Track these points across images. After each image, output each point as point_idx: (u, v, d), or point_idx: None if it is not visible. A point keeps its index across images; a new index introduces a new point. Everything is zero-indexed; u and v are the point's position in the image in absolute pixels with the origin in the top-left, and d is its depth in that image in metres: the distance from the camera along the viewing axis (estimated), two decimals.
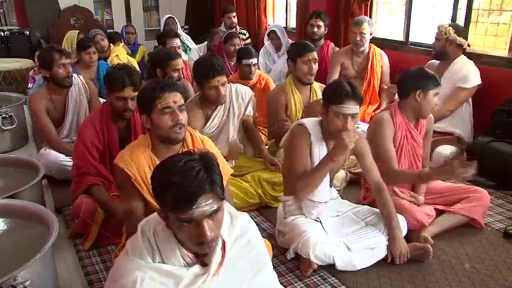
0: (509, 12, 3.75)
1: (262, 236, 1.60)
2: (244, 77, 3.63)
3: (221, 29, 5.77)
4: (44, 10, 6.92)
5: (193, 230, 1.27)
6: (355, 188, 2.83)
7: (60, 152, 3.16)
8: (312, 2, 5.23)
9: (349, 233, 2.24)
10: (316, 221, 2.28)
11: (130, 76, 2.47)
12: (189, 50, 5.78)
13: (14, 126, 3.81)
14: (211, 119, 2.79)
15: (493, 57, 3.67)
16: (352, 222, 2.31)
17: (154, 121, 1.88)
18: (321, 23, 4.32)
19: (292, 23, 6.12)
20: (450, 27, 3.41)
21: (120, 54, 4.79)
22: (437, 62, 3.57)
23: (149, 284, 1.28)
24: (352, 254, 2.15)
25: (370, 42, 4.03)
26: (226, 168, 2.03)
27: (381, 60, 4.08)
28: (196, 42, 6.10)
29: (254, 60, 3.61)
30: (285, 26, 6.07)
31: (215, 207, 1.26)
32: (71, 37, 4.84)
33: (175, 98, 1.88)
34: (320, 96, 3.07)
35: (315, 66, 3.00)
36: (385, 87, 4.00)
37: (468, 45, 3.49)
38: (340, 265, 2.13)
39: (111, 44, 5.00)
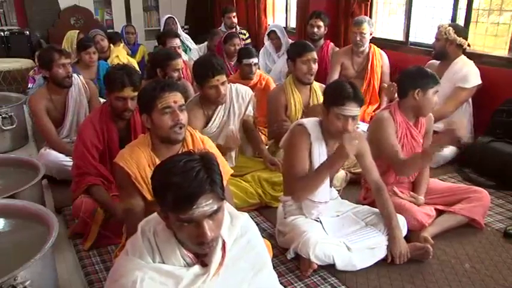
0: (509, 12, 3.75)
1: (262, 236, 1.60)
2: (244, 76, 3.63)
3: (221, 29, 5.77)
4: (44, 10, 6.92)
5: (193, 230, 1.27)
6: (355, 188, 2.83)
7: (60, 152, 3.16)
8: (312, 2, 5.23)
9: (349, 233, 2.24)
10: (316, 221, 2.28)
11: (129, 76, 2.47)
12: (189, 50, 5.78)
13: (14, 126, 3.81)
14: (211, 119, 2.79)
15: (493, 57, 3.67)
16: (352, 222, 2.31)
17: (155, 121, 1.88)
18: (321, 23, 4.32)
19: (292, 23, 6.12)
20: (450, 27, 3.41)
21: (120, 55, 4.78)
22: (438, 62, 3.57)
23: (149, 284, 1.28)
24: (352, 254, 2.15)
25: (370, 42, 4.03)
26: (226, 168, 2.03)
27: (381, 60, 4.09)
28: (196, 42, 6.10)
29: (255, 60, 3.61)
30: (285, 26, 6.07)
31: (215, 207, 1.26)
32: (71, 37, 4.84)
33: (175, 98, 1.88)
34: (320, 96, 3.08)
35: (315, 66, 3.00)
36: (386, 85, 4.00)
37: (468, 45, 3.49)
38: (340, 265, 2.13)
39: (111, 45, 4.99)
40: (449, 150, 3.41)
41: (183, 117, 1.89)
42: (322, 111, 2.22)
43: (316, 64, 3.02)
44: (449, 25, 3.45)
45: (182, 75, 3.33)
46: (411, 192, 2.54)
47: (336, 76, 4.08)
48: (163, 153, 1.88)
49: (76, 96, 3.33)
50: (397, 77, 2.69)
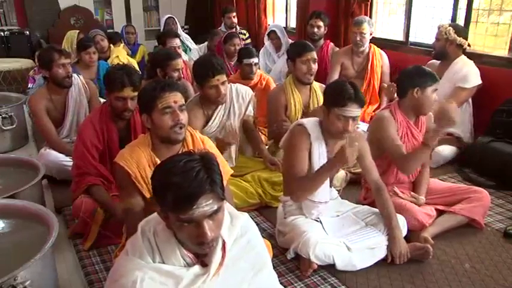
0: (509, 12, 3.75)
1: (262, 236, 1.60)
2: (245, 76, 3.63)
3: (221, 29, 5.77)
4: (44, 10, 6.92)
5: (193, 230, 1.27)
6: (355, 188, 2.83)
7: (60, 152, 3.16)
8: (312, 2, 5.23)
9: (349, 233, 2.24)
10: (316, 221, 2.28)
11: (129, 76, 2.47)
12: (189, 50, 5.78)
13: (14, 126, 3.81)
14: (211, 119, 2.79)
15: (493, 57, 3.67)
16: (352, 222, 2.31)
17: (155, 121, 1.88)
18: (321, 23, 4.32)
19: (292, 23, 6.12)
20: (450, 27, 3.41)
21: (120, 55, 4.78)
22: (438, 62, 3.57)
23: (149, 284, 1.28)
24: (352, 254, 2.15)
25: (370, 42, 4.03)
26: (226, 168, 2.03)
27: (381, 60, 4.09)
28: (196, 42, 6.10)
29: (255, 60, 3.62)
30: (285, 26, 6.07)
31: (215, 207, 1.26)
32: (71, 37, 4.84)
33: (175, 98, 1.88)
34: (320, 96, 3.08)
35: (314, 66, 3.00)
36: (385, 86, 4.00)
37: (468, 45, 3.49)
38: (340, 265, 2.13)
39: (112, 45, 4.99)
40: (449, 150, 3.41)
41: (183, 117, 1.89)
42: (322, 111, 2.21)
43: (316, 64, 3.02)
44: (450, 25, 3.46)
45: (182, 75, 3.33)
46: (412, 193, 2.55)
47: (336, 76, 4.08)
48: (163, 153, 1.88)
49: (76, 96, 3.33)
50: (396, 77, 2.68)
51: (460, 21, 3.84)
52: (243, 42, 5.20)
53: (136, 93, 2.45)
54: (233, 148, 2.89)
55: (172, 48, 3.94)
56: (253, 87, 3.37)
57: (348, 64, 4.09)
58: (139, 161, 1.88)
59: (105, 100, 2.89)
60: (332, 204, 2.36)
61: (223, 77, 2.65)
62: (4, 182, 2.68)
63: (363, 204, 2.48)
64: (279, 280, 1.74)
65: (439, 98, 3.23)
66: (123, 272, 1.32)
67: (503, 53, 3.65)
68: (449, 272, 2.18)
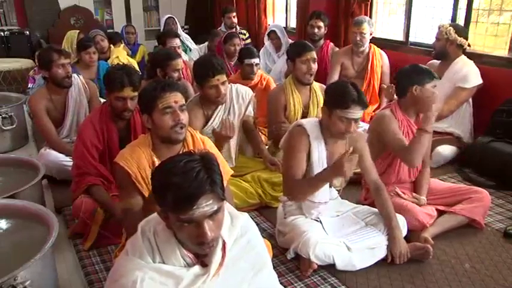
0: (509, 12, 3.75)
1: (262, 236, 1.60)
2: (245, 77, 3.63)
3: (221, 29, 5.77)
4: (44, 10, 6.92)
5: (193, 230, 1.27)
6: (355, 188, 2.83)
7: (60, 152, 3.16)
8: (312, 2, 5.23)
9: (349, 233, 2.24)
10: (316, 221, 2.28)
11: (129, 76, 2.47)
12: (189, 50, 5.78)
13: (14, 126, 3.81)
14: (211, 119, 2.79)
15: (493, 57, 3.67)
16: (352, 222, 2.31)
17: (155, 121, 1.88)
18: (321, 24, 4.32)
19: (292, 23, 6.12)
20: (451, 27, 3.41)
21: (120, 56, 4.78)
22: (438, 62, 3.57)
23: (149, 284, 1.28)
24: (352, 254, 2.15)
25: (370, 42, 4.04)
26: (226, 169, 2.03)
27: (381, 60, 4.09)
28: (197, 42, 6.10)
29: (256, 60, 3.61)
30: (285, 26, 6.07)
31: (215, 207, 1.26)
32: (71, 37, 4.83)
33: (176, 98, 1.88)
34: (320, 96, 3.08)
35: (314, 66, 2.99)
36: (385, 86, 4.00)
37: (468, 45, 3.49)
38: (340, 265, 2.13)
39: (112, 45, 4.99)
40: (449, 150, 3.41)
41: (184, 117, 1.89)
42: (323, 111, 2.21)
43: (316, 64, 3.01)
44: (450, 25, 3.46)
45: (182, 75, 3.33)
46: (413, 193, 2.55)
47: (336, 76, 4.09)
48: (163, 153, 1.88)
49: (76, 96, 3.33)
50: (394, 76, 2.68)
51: (460, 21, 3.84)
52: (243, 42, 5.20)
53: (136, 93, 2.45)
54: (233, 147, 2.90)
55: (172, 48, 3.94)
56: (253, 88, 3.37)
57: (348, 64, 4.09)
58: (139, 161, 1.88)
59: (105, 100, 2.89)
60: (332, 204, 2.37)
61: (223, 77, 2.65)
62: (4, 182, 2.68)
63: (363, 204, 2.48)
64: (279, 280, 1.74)
65: (440, 98, 3.25)
66: (123, 272, 1.32)
67: (503, 53, 3.65)
68: (449, 272, 2.18)
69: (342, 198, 2.49)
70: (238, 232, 1.46)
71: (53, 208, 2.79)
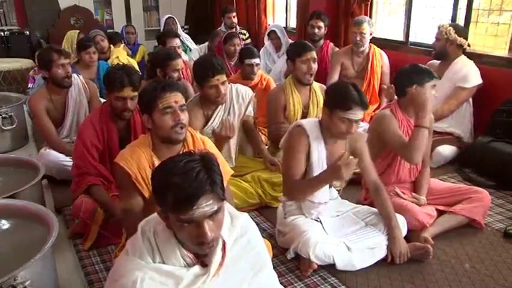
0: (509, 12, 3.75)
1: (262, 236, 1.60)
2: (246, 77, 3.63)
3: (221, 29, 5.77)
4: (44, 10, 6.92)
5: (193, 231, 1.27)
6: (355, 188, 2.83)
7: (60, 152, 3.16)
8: (312, 2, 5.23)
9: (349, 233, 2.24)
10: (316, 221, 2.28)
11: (129, 76, 2.47)
12: (189, 50, 5.78)
13: (14, 126, 3.81)
14: (211, 119, 2.79)
15: (493, 57, 3.67)
16: (352, 222, 2.31)
17: (156, 121, 1.88)
18: (321, 24, 4.32)
19: (292, 23, 6.12)
20: (451, 27, 3.41)
21: (120, 56, 4.78)
22: (438, 62, 3.57)
23: (149, 284, 1.28)
24: (352, 254, 2.15)
25: (370, 42, 4.03)
26: (226, 169, 2.03)
27: (381, 60, 4.09)
28: (197, 42, 6.10)
29: (257, 61, 3.61)
30: (285, 26, 6.07)
31: (216, 207, 1.26)
32: (71, 37, 4.83)
33: (176, 98, 1.88)
34: (320, 96, 3.08)
35: (314, 66, 2.99)
36: (385, 87, 4.00)
37: (468, 45, 3.49)
38: (340, 265, 2.13)
39: (112, 45, 4.99)
40: (449, 150, 3.41)
41: (184, 117, 1.89)
42: (324, 111, 2.21)
43: (316, 64, 3.01)
44: (450, 25, 3.46)
45: (182, 76, 3.33)
46: (413, 193, 2.55)
47: (336, 76, 4.09)
48: (164, 153, 1.88)
49: (76, 96, 3.33)
50: (393, 76, 2.68)
51: (460, 21, 3.84)
52: (243, 42, 5.20)
53: (136, 93, 2.46)
54: (233, 147, 2.90)
55: (172, 48, 3.93)
56: (253, 88, 3.37)
57: (348, 64, 4.09)
58: (139, 161, 1.88)
59: (105, 100, 2.89)
60: (332, 204, 2.37)
61: (223, 77, 2.65)
62: (4, 182, 2.68)
63: (363, 204, 2.48)
64: (279, 280, 1.74)
65: (440, 98, 3.26)
66: (123, 272, 1.32)
67: (503, 53, 3.65)
68: (449, 272, 2.18)
69: (342, 198, 2.49)
70: (238, 232, 1.46)
71: (53, 208, 2.79)
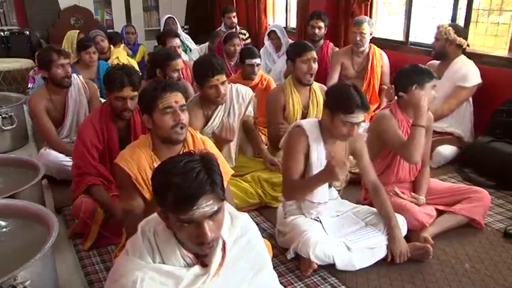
0: (509, 12, 3.76)
1: (262, 236, 1.60)
2: (246, 77, 3.63)
3: (221, 29, 5.77)
4: (44, 10, 6.92)
5: (193, 231, 1.27)
6: (355, 188, 2.83)
7: (60, 152, 3.16)
8: (312, 2, 5.23)
9: (349, 233, 2.24)
10: (316, 220, 2.28)
11: (129, 76, 2.47)
12: (189, 51, 5.78)
13: (14, 126, 3.81)
14: (211, 119, 2.79)
15: (493, 57, 3.67)
16: (352, 222, 2.31)
17: (156, 121, 1.88)
18: (322, 24, 4.32)
19: (292, 23, 6.12)
20: (450, 27, 3.41)
21: (120, 56, 4.78)
22: (438, 62, 3.57)
23: (149, 284, 1.28)
24: (352, 254, 2.15)
25: (370, 42, 4.03)
26: (226, 169, 2.03)
27: (381, 60, 4.09)
28: (197, 42, 6.10)
29: (257, 61, 3.61)
30: (285, 26, 6.07)
31: (216, 208, 1.26)
32: (71, 37, 4.83)
33: (176, 98, 1.88)
34: (320, 96, 3.08)
35: (315, 66, 2.99)
36: (385, 87, 4.00)
37: (468, 45, 3.49)
38: (340, 265, 2.13)
39: (112, 46, 4.99)
40: (450, 150, 3.41)
41: (184, 117, 1.88)
42: (324, 113, 2.20)
43: (316, 63, 3.01)
44: (449, 25, 3.46)
45: (182, 76, 3.33)
46: (412, 193, 2.55)
47: (336, 76, 4.09)
48: (164, 153, 1.87)
49: (76, 96, 3.33)
50: (393, 76, 2.68)
51: (460, 21, 3.84)
52: (243, 42, 5.20)
53: (136, 93, 2.46)
54: (233, 147, 2.90)
55: (172, 48, 3.94)
56: (253, 88, 3.37)
57: (348, 64, 4.10)
58: (139, 162, 1.88)
59: (105, 100, 2.89)
60: (332, 204, 2.37)
61: (223, 77, 2.65)
62: (4, 182, 2.68)
63: (363, 204, 2.48)
64: (279, 280, 1.73)
65: (440, 97, 3.26)
66: (123, 272, 1.32)
67: (503, 53, 3.65)
68: (449, 272, 2.18)
69: (342, 198, 2.49)
70: (238, 232, 1.46)
71: (53, 208, 2.79)
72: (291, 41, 4.74)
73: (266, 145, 3.19)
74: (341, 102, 2.10)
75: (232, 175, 2.25)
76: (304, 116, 3.06)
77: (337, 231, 2.26)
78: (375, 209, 2.35)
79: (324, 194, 2.28)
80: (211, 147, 2.07)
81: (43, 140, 3.43)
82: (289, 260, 2.24)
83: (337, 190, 2.56)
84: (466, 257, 2.29)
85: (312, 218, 2.28)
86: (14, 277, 1.65)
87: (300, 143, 2.21)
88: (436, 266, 2.22)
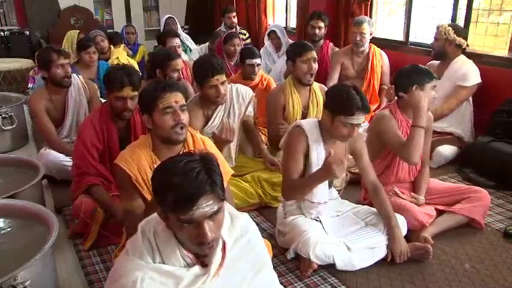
0: (509, 12, 3.76)
1: (262, 236, 1.60)
2: (246, 77, 3.63)
3: (221, 29, 5.77)
4: (44, 10, 6.92)
5: (193, 231, 1.27)
6: (355, 188, 2.83)
7: (60, 152, 3.16)
8: (312, 2, 5.23)
9: (349, 233, 2.24)
10: (316, 220, 2.29)
11: (129, 76, 2.47)
12: (189, 51, 5.78)
13: (14, 126, 3.81)
14: (211, 119, 2.79)
15: (493, 57, 3.67)
16: (352, 222, 2.31)
17: (156, 121, 1.88)
18: (322, 24, 4.32)
19: (292, 23, 6.12)
20: (449, 27, 3.42)
21: (120, 56, 4.78)
22: (437, 62, 3.57)
23: (149, 284, 1.28)
24: (352, 254, 2.15)
25: (370, 42, 4.04)
26: (226, 169, 2.03)
27: (381, 60, 4.09)
28: (197, 42, 6.10)
29: (258, 61, 3.61)
30: (285, 26, 6.07)
31: (216, 208, 1.26)
32: (71, 37, 4.83)
33: (176, 98, 1.88)
34: (320, 96, 3.08)
35: (315, 66, 2.99)
36: (385, 87, 4.00)
37: (467, 45, 3.49)
38: (340, 265, 2.13)
39: (112, 46, 4.99)
40: (450, 150, 3.41)
41: (184, 117, 1.88)
42: (325, 114, 2.20)
43: (316, 63, 3.01)
44: (449, 25, 3.46)
45: (182, 76, 3.33)
46: (412, 193, 2.55)
47: (336, 76, 4.09)
48: (164, 153, 1.87)
49: (76, 96, 3.33)
50: (393, 76, 2.68)
51: (460, 21, 3.84)
52: (243, 42, 5.20)
53: (136, 93, 2.46)
54: (233, 147, 2.90)
55: (172, 47, 3.93)
56: (254, 88, 3.37)
57: (348, 64, 4.10)
58: (139, 162, 1.88)
59: (105, 100, 2.89)
60: (332, 204, 2.37)
61: (223, 77, 2.65)
62: (4, 182, 2.68)
63: (363, 204, 2.48)
64: (279, 280, 1.73)
65: (440, 97, 3.26)
66: (123, 272, 1.32)
67: (503, 53, 3.65)
68: (449, 272, 2.18)
69: (342, 198, 2.49)
70: (238, 232, 1.46)
71: (53, 208, 2.79)
72: (291, 41, 4.74)
73: (266, 145, 3.19)
74: (341, 103, 2.09)
75: (232, 175, 2.25)
76: (304, 116, 3.06)
77: (337, 231, 2.26)
78: (374, 209, 2.35)
79: (324, 194, 2.28)
80: (211, 147, 2.07)
81: (43, 140, 3.43)
82: (289, 260, 2.25)
83: (337, 190, 2.56)
84: (466, 257, 2.29)
85: (312, 218, 2.29)
86: (14, 277, 1.65)
87: (300, 143, 2.21)
88: (436, 266, 2.22)
